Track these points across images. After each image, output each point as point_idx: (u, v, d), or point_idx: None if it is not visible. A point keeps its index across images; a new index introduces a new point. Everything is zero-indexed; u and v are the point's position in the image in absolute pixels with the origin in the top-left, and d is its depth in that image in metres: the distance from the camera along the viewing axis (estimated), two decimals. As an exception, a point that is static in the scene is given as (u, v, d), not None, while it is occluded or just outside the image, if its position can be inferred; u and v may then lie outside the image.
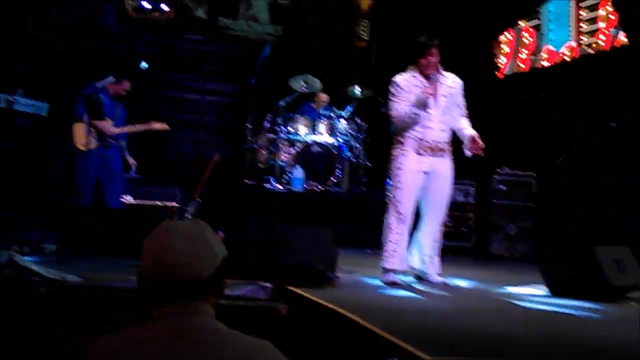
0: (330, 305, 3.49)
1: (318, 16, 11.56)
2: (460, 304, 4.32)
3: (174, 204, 8.84)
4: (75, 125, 7.28)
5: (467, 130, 5.21)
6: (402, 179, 5.13)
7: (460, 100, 5.31)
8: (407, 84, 5.14)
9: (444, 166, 5.20)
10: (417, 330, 3.28)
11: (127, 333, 1.65)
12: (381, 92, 8.72)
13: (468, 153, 5.23)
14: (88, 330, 3.31)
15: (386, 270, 5.12)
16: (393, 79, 5.21)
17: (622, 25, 8.79)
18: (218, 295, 1.75)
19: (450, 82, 5.25)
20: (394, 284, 4.99)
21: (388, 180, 5.30)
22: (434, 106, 5.12)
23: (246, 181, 8.30)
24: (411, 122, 5.07)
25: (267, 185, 8.25)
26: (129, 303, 3.62)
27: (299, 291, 3.83)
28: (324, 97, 8.91)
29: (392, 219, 5.16)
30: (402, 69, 5.34)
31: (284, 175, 8.36)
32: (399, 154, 5.17)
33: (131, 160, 7.72)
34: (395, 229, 5.14)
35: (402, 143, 5.18)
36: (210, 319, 1.69)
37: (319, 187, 8.17)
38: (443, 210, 5.28)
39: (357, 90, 8.66)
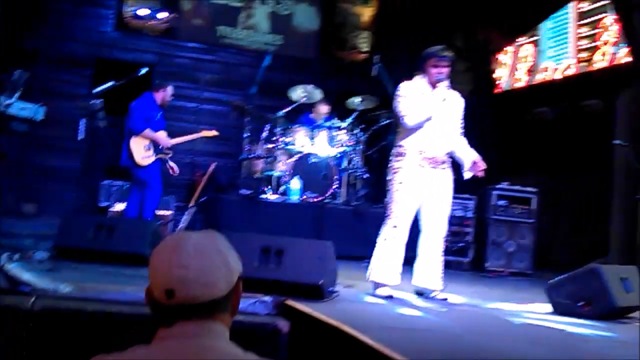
0: (334, 323, 3.37)
1: (318, 27, 11.52)
2: (465, 322, 4.22)
3: (169, 212, 8.76)
4: (132, 140, 7.28)
5: (468, 152, 5.16)
6: (401, 192, 5.05)
7: (460, 118, 5.26)
8: (415, 90, 5.10)
9: (445, 179, 5.13)
10: (426, 350, 3.19)
11: (133, 354, 1.51)
12: (383, 103, 8.67)
13: (467, 175, 5.17)
14: (84, 347, 3.20)
15: (378, 284, 5.03)
16: (401, 84, 5.16)
17: (628, 41, 8.73)
18: (233, 314, 1.62)
19: (454, 99, 5.22)
20: (388, 297, 4.90)
21: (389, 192, 5.18)
22: (437, 118, 5.06)
23: (242, 191, 8.18)
24: (424, 119, 4.99)
25: (264, 196, 8.13)
26: (124, 317, 3.51)
27: (300, 307, 3.71)
28: (324, 107, 8.81)
29: (388, 233, 5.08)
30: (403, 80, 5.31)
31: (280, 186, 8.24)
32: (399, 167, 5.09)
33: (171, 164, 7.70)
34: (391, 243, 5.05)
35: (402, 155, 5.10)
36: (224, 341, 1.55)
37: (316, 198, 8.05)
38: (444, 224, 5.20)
39: (358, 101, 8.56)
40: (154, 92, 7.54)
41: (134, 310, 3.61)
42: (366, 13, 11.94)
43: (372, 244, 7.42)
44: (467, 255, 8.05)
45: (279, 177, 8.30)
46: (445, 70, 5.07)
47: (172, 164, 7.68)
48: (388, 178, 5.19)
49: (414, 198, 5.05)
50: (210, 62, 11.16)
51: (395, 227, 5.04)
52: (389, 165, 5.21)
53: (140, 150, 7.30)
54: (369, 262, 7.26)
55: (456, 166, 5.25)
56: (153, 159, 7.35)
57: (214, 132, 8.03)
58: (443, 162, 5.12)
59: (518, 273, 7.80)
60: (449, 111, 5.13)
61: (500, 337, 3.77)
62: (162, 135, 7.47)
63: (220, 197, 7.94)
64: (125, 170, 7.52)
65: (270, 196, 8.16)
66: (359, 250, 7.37)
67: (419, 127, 5.04)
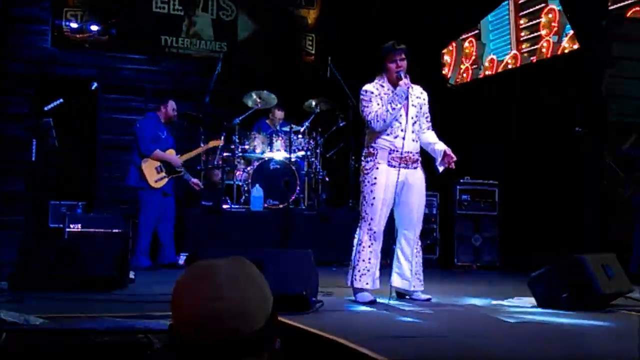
0: (329, 336, 3.23)
1: (263, 31, 11.36)
2: (455, 324, 4.13)
3: (121, 230, 8.46)
4: (143, 163, 7.02)
5: (438, 145, 5.10)
6: (375, 193, 4.94)
7: (427, 112, 5.20)
8: (377, 91, 5.00)
9: (417, 177, 5.06)
10: (424, 356, 3.07)
11: None
12: (339, 105, 8.58)
13: (441, 168, 5.12)
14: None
15: (359, 290, 4.92)
16: (362, 88, 5.06)
17: (574, 29, 8.84)
18: (271, 351, 1.43)
19: (418, 93, 5.16)
20: (371, 303, 4.80)
21: (362, 194, 5.06)
22: (405, 115, 4.98)
23: (203, 203, 7.96)
24: (390, 118, 4.89)
25: (225, 206, 7.92)
26: (106, 348, 3.29)
27: (290, 322, 3.55)
28: (279, 113, 8.67)
29: (364, 236, 4.97)
30: (360, 80, 5.23)
31: (242, 195, 8.06)
32: (371, 167, 4.99)
33: (195, 181, 7.58)
34: (368, 247, 4.95)
35: (373, 155, 5.00)
36: None
37: (280, 205, 7.89)
38: (420, 222, 5.13)
39: (314, 104, 8.44)
40: (156, 112, 7.40)
41: (116, 339, 3.40)
42: (311, 15, 11.83)
43: (340, 248, 7.33)
44: (435, 252, 8.01)
45: (239, 186, 8.11)
46: (403, 63, 4.98)
47: (194, 180, 7.72)
48: (360, 179, 5.09)
49: (387, 199, 4.96)
50: (155, 73, 10.87)
51: (370, 229, 4.94)
52: (361, 166, 5.11)
53: (153, 173, 7.17)
54: (336, 267, 7.22)
55: (427, 162, 5.19)
56: (166, 180, 7.20)
57: (220, 141, 7.91)
58: (415, 161, 5.04)
59: (486, 266, 7.80)
60: (415, 106, 5.05)
61: (496, 337, 3.69)
62: (171, 155, 7.29)
63: (183, 210, 7.70)
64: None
65: (232, 206, 7.97)
66: (328, 254, 7.30)
67: (387, 127, 4.95)
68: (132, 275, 5.79)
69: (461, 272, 7.61)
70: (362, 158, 5.12)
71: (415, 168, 5.04)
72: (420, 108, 5.11)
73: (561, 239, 7.98)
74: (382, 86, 5.03)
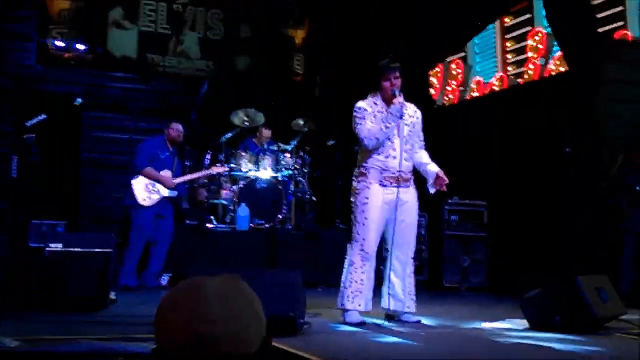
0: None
1: (252, 51, 11.29)
2: (448, 347, 4.01)
3: (103, 250, 8.26)
4: (134, 180, 6.93)
5: (431, 166, 5.02)
6: (367, 214, 4.85)
7: (420, 131, 5.12)
8: (371, 109, 4.91)
9: (410, 196, 4.97)
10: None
11: None
12: (327, 125, 8.50)
13: (432, 190, 5.03)
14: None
15: (348, 311, 4.79)
16: (356, 105, 4.97)
17: (563, 50, 8.83)
18: None
19: (412, 112, 5.07)
20: (360, 324, 4.67)
21: (354, 215, 4.95)
22: (398, 134, 4.89)
23: (188, 222, 7.80)
24: (384, 137, 4.80)
25: (210, 226, 7.78)
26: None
27: (277, 344, 3.42)
28: (266, 132, 8.56)
29: (356, 258, 4.86)
30: (349, 100, 5.15)
31: (227, 215, 7.92)
32: (363, 187, 4.90)
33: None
34: (361, 268, 4.85)
35: (365, 175, 4.91)
36: None
37: (266, 225, 7.76)
38: (412, 242, 5.03)
39: (302, 123, 8.34)
40: (164, 134, 7.29)
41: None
42: (299, 35, 11.79)
43: (327, 268, 7.23)
44: (424, 273, 7.88)
45: (225, 206, 7.97)
46: (398, 82, 4.91)
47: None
48: (351, 200, 4.99)
49: (379, 219, 4.86)
50: (141, 92, 10.75)
51: (362, 250, 4.84)
52: (352, 187, 5.01)
53: (142, 191, 6.98)
54: (323, 288, 7.09)
55: (420, 182, 5.10)
56: (157, 198, 7.03)
57: (225, 168, 7.73)
58: (407, 180, 4.95)
59: (474, 288, 7.69)
60: (409, 125, 4.97)
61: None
62: (164, 175, 7.14)
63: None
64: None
65: (218, 226, 7.82)
66: (315, 275, 7.18)
67: (380, 146, 4.86)
68: (113, 295, 5.63)
69: (449, 294, 7.49)
70: (354, 178, 5.02)
71: (407, 187, 4.95)
72: (414, 127, 5.03)
73: (550, 261, 7.89)
74: (376, 104, 4.96)
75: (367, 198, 4.84)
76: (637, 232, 6.89)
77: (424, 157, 5.08)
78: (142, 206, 6.98)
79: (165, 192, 7.13)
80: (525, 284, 8.01)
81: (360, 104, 4.97)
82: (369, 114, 4.88)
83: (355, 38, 10.59)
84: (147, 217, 7.03)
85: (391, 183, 4.85)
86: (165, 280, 7.06)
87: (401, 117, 4.84)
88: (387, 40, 10.13)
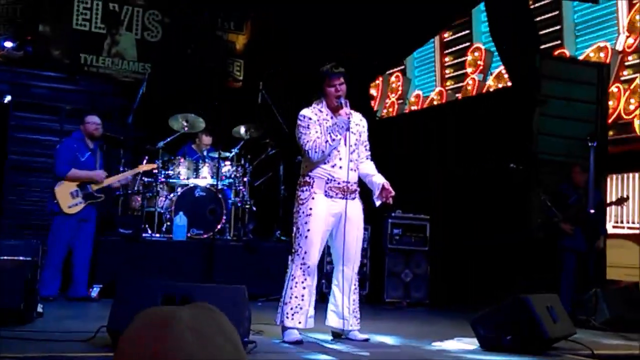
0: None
1: (190, 54, 10.97)
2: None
3: (29, 258, 7.81)
4: (56, 187, 6.53)
5: (376, 177, 4.88)
6: (310, 225, 4.65)
7: (366, 140, 4.98)
8: (316, 117, 4.72)
9: (355, 208, 4.81)
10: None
11: None
12: (269, 132, 8.27)
13: (377, 202, 4.89)
14: None
15: (287, 328, 4.59)
16: (300, 113, 4.78)
17: (506, 67, 8.88)
18: None
19: (357, 120, 4.92)
20: (297, 343, 4.48)
21: (296, 226, 4.75)
22: (344, 144, 4.73)
23: (121, 231, 7.42)
24: (330, 149, 4.63)
25: (146, 235, 7.42)
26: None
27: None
28: (206, 138, 8.27)
29: (297, 271, 4.67)
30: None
31: (163, 224, 7.58)
32: (307, 197, 4.70)
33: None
34: (301, 283, 4.66)
35: (309, 184, 4.72)
36: None
37: (204, 235, 7.46)
38: (358, 256, 4.87)
39: (243, 130, 8.08)
40: (81, 129, 6.82)
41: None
42: (240, 41, 11.55)
43: (267, 281, 7.00)
44: (365, 287, 7.74)
45: (161, 214, 7.64)
46: (343, 87, 4.76)
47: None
48: (294, 210, 4.79)
49: (322, 231, 4.69)
50: (72, 92, 10.29)
51: (304, 264, 4.65)
52: (296, 196, 4.81)
53: (67, 197, 6.52)
54: (264, 301, 6.85)
55: (364, 194, 4.95)
56: (82, 206, 6.55)
57: (153, 165, 7.30)
58: (353, 192, 4.79)
59: (416, 303, 7.59)
60: (354, 134, 4.81)
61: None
62: (91, 172, 6.69)
63: (97, 238, 7.14)
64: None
65: (153, 235, 7.48)
66: (254, 288, 6.88)
67: (324, 158, 4.68)
68: (40, 308, 5.26)
69: (391, 309, 7.36)
70: (298, 187, 4.82)
71: (353, 199, 4.79)
72: (360, 136, 4.89)
73: (492, 277, 7.89)
74: (321, 111, 4.79)
75: (311, 209, 4.66)
76: (577, 251, 6.94)
77: (369, 167, 4.94)
78: (66, 213, 6.56)
79: (91, 198, 6.67)
80: (466, 299, 8.02)
81: (305, 111, 4.78)
82: (313, 122, 4.70)
83: (298, 46, 10.43)
84: (70, 223, 6.60)
85: (337, 194, 4.69)
86: (95, 291, 6.66)
87: (348, 129, 4.69)
88: (329, 49, 10.00)
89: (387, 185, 4.81)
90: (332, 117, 4.74)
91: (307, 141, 4.64)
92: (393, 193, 4.82)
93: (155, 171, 7.46)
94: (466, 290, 8.18)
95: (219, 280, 6.59)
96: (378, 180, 4.84)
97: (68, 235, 6.61)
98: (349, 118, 4.67)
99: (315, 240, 4.65)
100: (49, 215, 6.74)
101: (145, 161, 7.78)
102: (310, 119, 4.72)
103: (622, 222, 9.99)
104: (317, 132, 4.66)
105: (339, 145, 4.72)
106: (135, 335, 1.05)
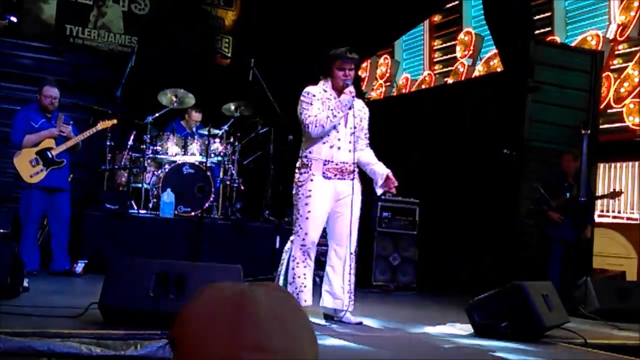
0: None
1: (177, 28, 10.79)
2: (399, 352, 3.80)
3: (7, 231, 7.64)
4: (15, 158, 6.32)
5: (378, 166, 4.86)
6: (309, 207, 4.64)
7: (366, 127, 4.94)
8: (320, 95, 4.68)
9: (353, 189, 4.76)
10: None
11: None
12: (259, 111, 8.15)
13: (379, 191, 4.87)
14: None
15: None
16: (305, 89, 4.74)
17: (499, 51, 8.82)
18: None
19: (360, 106, 4.90)
20: None
21: (296, 208, 4.71)
22: (344, 125, 4.70)
23: (107, 206, 7.28)
24: (330, 125, 4.62)
25: (132, 211, 7.30)
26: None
27: None
28: (196, 115, 8.13)
29: (297, 252, 4.69)
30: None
31: (150, 200, 7.46)
32: (305, 179, 4.67)
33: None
34: (302, 262, 4.70)
35: (307, 166, 4.68)
36: None
37: (191, 213, 7.36)
38: (354, 237, 4.82)
39: (233, 108, 7.96)
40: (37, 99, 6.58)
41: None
42: (229, 17, 11.38)
43: (254, 261, 6.92)
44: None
45: (147, 190, 7.51)
46: (352, 73, 4.76)
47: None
48: (293, 192, 4.76)
49: (322, 213, 4.67)
50: (56, 64, 10.07)
51: (304, 245, 4.65)
52: (294, 178, 4.76)
53: (27, 167, 6.31)
54: (252, 281, 6.75)
55: (365, 179, 4.91)
56: (44, 173, 6.34)
57: (113, 121, 6.91)
58: (351, 172, 4.75)
59: (403, 287, 7.55)
60: (355, 117, 4.77)
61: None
62: (44, 132, 6.44)
63: (82, 213, 7.00)
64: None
65: (139, 211, 7.35)
66: (242, 268, 6.81)
67: (325, 135, 4.63)
68: (25, 283, 5.13)
69: (379, 292, 7.32)
70: (297, 170, 4.80)
71: (351, 179, 4.74)
72: (361, 121, 4.87)
73: (481, 262, 7.89)
74: (325, 91, 4.77)
75: (310, 190, 4.64)
76: (565, 240, 6.94)
77: (369, 156, 4.92)
78: (29, 183, 6.35)
79: (52, 164, 6.42)
80: (454, 284, 8.02)
81: (310, 88, 4.77)
82: (317, 99, 4.68)
83: (289, 24, 10.28)
84: (35, 193, 6.39)
85: (335, 175, 4.67)
86: (80, 266, 6.53)
87: (350, 108, 4.66)
88: (320, 29, 9.87)
89: (391, 175, 4.79)
90: (335, 98, 4.70)
91: (308, 116, 4.62)
92: (397, 183, 4.80)
93: (113, 124, 6.97)
94: (454, 275, 8.17)
95: (205, 258, 6.50)
96: (381, 169, 4.82)
97: (38, 206, 6.40)
98: (353, 97, 4.63)
99: (315, 222, 4.66)
100: (20, 187, 6.54)
101: (133, 136, 7.64)
102: (314, 95, 4.70)
103: (607, 211, 10.03)
104: (319, 108, 4.62)
105: (338, 126, 4.68)
106: (205, 312, 0.97)
